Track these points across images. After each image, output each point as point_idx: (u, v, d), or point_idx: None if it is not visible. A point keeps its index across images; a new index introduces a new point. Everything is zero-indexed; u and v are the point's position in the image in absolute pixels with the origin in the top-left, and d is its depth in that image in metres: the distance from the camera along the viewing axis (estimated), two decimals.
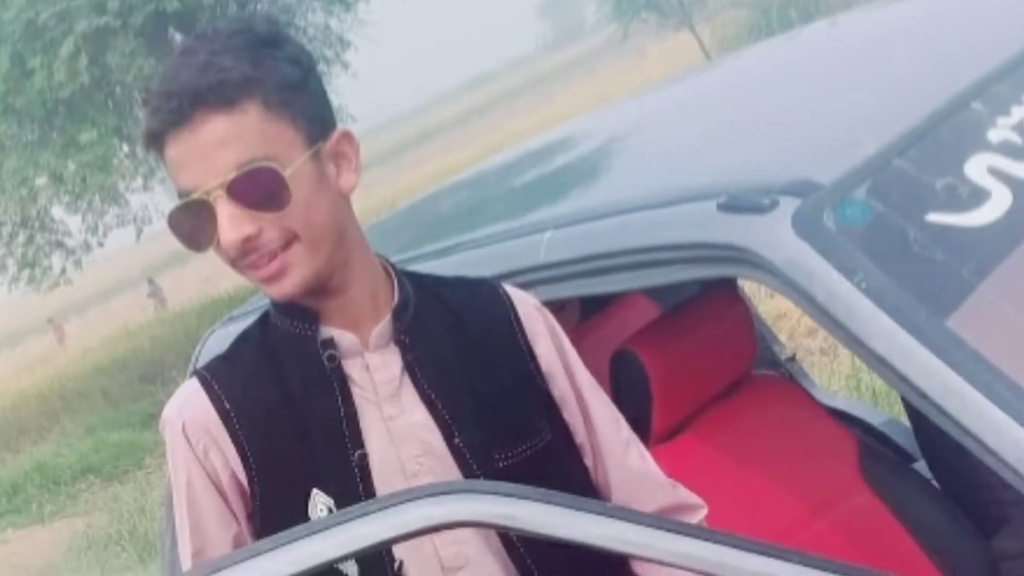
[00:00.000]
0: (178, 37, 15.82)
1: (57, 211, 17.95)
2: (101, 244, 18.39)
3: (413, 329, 1.36)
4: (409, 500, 0.98)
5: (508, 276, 1.58)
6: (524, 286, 1.53)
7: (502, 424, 1.36)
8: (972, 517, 1.95)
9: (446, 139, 40.03)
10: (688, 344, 1.91)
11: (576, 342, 1.48)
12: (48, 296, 19.71)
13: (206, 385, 1.36)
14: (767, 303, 5.53)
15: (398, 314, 1.36)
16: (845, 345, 1.31)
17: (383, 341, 1.35)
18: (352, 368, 1.35)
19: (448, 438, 1.34)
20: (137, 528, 8.03)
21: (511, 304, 1.43)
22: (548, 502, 0.99)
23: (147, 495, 8.85)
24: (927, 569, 1.81)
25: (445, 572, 1.34)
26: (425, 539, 1.30)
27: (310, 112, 1.29)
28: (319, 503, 1.31)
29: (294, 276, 1.28)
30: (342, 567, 1.30)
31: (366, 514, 0.97)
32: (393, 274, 1.40)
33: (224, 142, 1.23)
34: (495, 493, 0.99)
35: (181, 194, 1.26)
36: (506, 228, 1.78)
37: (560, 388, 1.42)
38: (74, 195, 17.15)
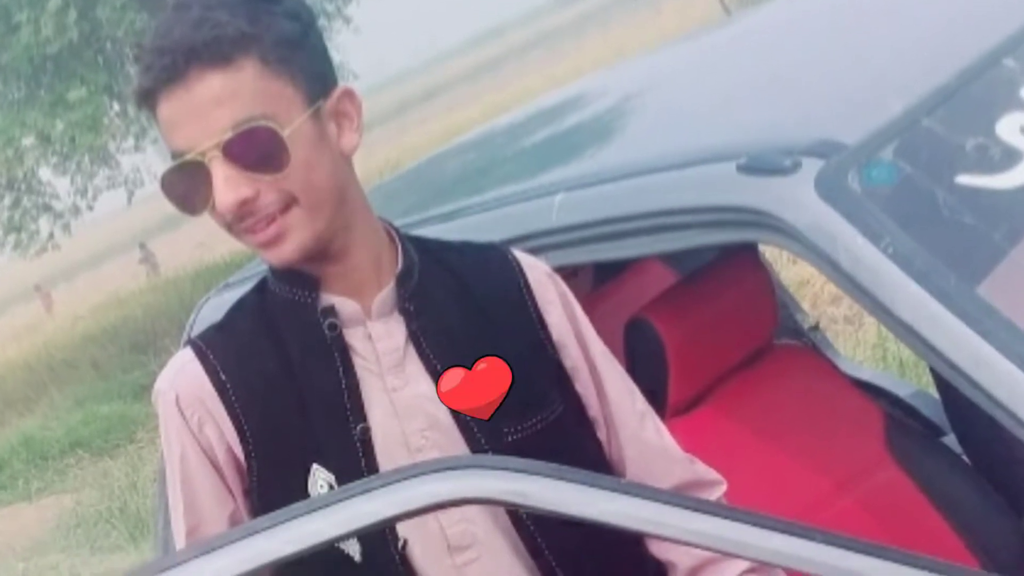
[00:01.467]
0: None
1: (45, 173, 17.81)
2: (91, 207, 18.31)
3: (418, 296, 1.33)
4: (414, 476, 0.95)
5: (518, 241, 1.55)
6: (534, 251, 1.50)
7: (511, 396, 1.32)
8: (1004, 494, 1.92)
9: (453, 97, 39.66)
10: (706, 312, 1.87)
11: (589, 310, 1.45)
12: (35, 262, 19.75)
13: (201, 355, 1.33)
14: (789, 269, 5.52)
15: (402, 281, 1.33)
16: (871, 313, 1.28)
17: (386, 309, 1.32)
18: (354, 337, 1.31)
19: (454, 411, 1.31)
20: (128, 505, 7.92)
21: (521, 270, 1.39)
22: (559, 478, 0.96)
23: (139, 471, 8.73)
24: (956, 547, 1.79)
25: (452, 551, 1.30)
26: (431, 517, 1.27)
27: (310, 69, 1.26)
28: (319, 479, 1.28)
29: (293, 241, 1.25)
30: (344, 546, 1.27)
31: (369, 491, 0.94)
32: (396, 239, 1.37)
33: (220, 100, 1.20)
34: (504, 468, 0.96)
35: (175, 155, 1.24)
36: (515, 190, 1.75)
37: (572, 358, 1.38)
38: (62, 156, 16.93)
